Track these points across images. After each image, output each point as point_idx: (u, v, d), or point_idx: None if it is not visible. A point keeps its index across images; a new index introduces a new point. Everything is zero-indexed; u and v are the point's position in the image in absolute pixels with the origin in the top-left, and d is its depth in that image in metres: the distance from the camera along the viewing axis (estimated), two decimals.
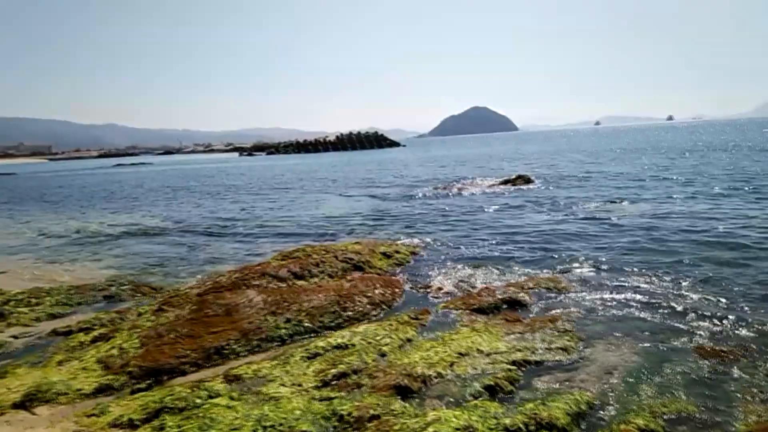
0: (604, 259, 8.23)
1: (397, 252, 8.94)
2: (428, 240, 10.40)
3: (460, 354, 4.80)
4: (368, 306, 6.30)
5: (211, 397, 3.97)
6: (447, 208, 15.02)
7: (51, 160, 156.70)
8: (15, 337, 5.87)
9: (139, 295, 7.50)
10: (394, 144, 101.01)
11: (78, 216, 18.52)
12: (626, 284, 6.95)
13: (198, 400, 3.88)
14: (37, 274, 9.38)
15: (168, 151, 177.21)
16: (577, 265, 8.04)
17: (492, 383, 4.23)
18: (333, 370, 4.39)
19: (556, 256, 8.64)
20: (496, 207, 14.68)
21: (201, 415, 3.67)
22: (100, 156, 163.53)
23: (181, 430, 3.47)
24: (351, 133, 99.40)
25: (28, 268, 9.97)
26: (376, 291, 6.76)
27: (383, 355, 4.78)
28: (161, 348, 5.02)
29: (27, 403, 4.13)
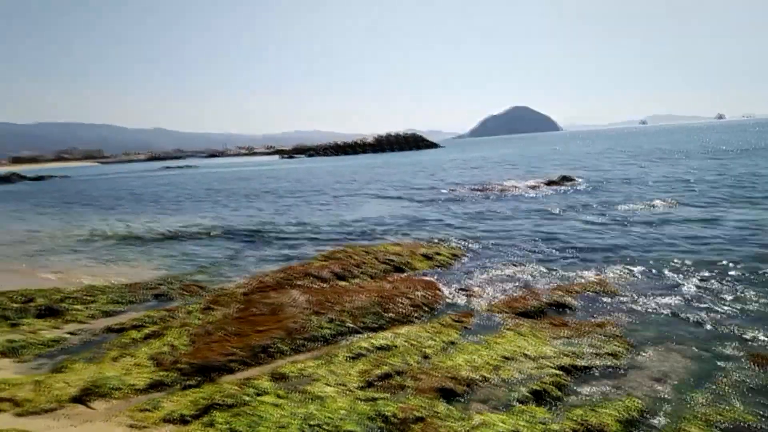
0: (652, 263, 7.97)
1: (438, 254, 8.90)
2: (469, 242, 10.32)
3: (506, 358, 4.74)
4: (410, 308, 6.30)
5: (258, 394, 4.06)
6: (487, 210, 14.86)
7: (102, 163, 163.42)
8: (72, 333, 6.13)
9: (187, 294, 7.73)
10: (432, 145, 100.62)
11: (128, 218, 19.24)
12: (676, 289, 6.71)
13: (246, 398, 3.97)
14: (90, 273, 9.79)
15: (212, 154, 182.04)
16: (624, 268, 7.81)
17: (539, 388, 4.16)
18: (376, 371, 4.41)
19: (603, 260, 8.42)
20: (538, 208, 14.42)
21: (249, 412, 3.75)
22: (148, 159, 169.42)
23: (231, 426, 3.55)
24: (388, 135, 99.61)
25: (82, 268, 10.43)
26: (418, 293, 6.75)
27: (426, 357, 4.76)
28: (210, 345, 5.16)
29: (84, 397, 4.31)
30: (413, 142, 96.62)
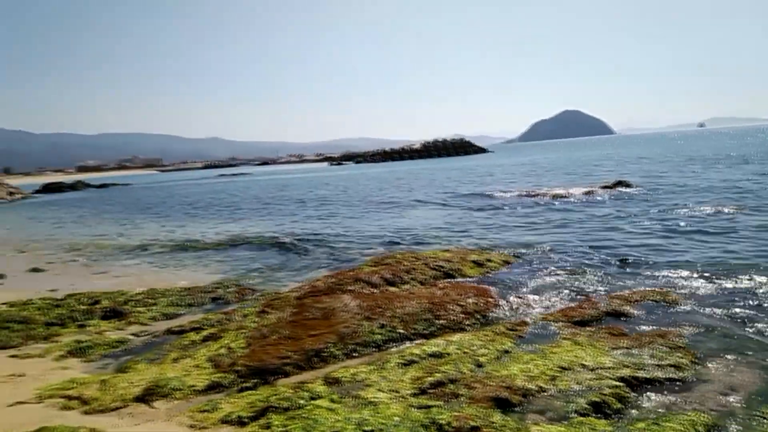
0: (715, 271, 7.58)
1: (489, 260, 8.77)
2: (521, 249, 10.11)
3: (562, 368, 4.60)
4: (461, 315, 6.23)
5: (312, 398, 4.11)
6: (539, 216, 14.55)
7: (161, 171, 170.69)
8: (135, 335, 6.41)
9: (242, 297, 7.95)
10: (480, 150, 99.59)
11: (185, 224, 19.99)
12: (742, 299, 6.35)
13: (301, 401, 4.02)
14: (151, 276, 10.22)
15: (264, 162, 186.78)
16: (686, 276, 7.46)
17: (598, 400, 4.02)
18: (429, 378, 4.38)
19: (662, 267, 8.07)
20: (593, 214, 13.99)
21: (304, 415, 3.80)
22: (205, 167, 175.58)
23: (287, 429, 3.61)
24: (436, 141, 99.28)
25: (144, 271, 10.90)
26: (469, 300, 6.67)
27: (480, 365, 4.69)
28: (265, 348, 5.27)
29: (147, 397, 4.48)
30: (461, 148, 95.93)
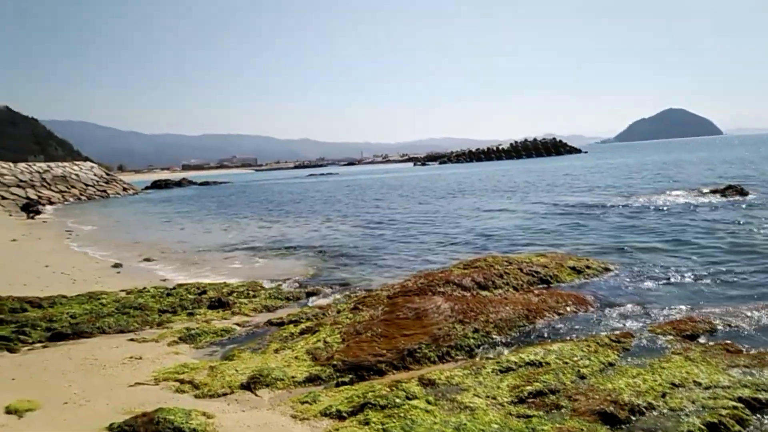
0: None
1: (588, 267, 8.36)
2: (622, 255, 9.55)
3: (674, 384, 4.28)
4: (560, 323, 5.98)
5: (408, 398, 4.11)
6: (640, 221, 13.66)
7: (256, 170, 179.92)
8: (238, 325, 6.78)
9: (336, 293, 8.17)
10: (573, 150, 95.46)
11: (279, 219, 20.92)
12: None
13: (397, 400, 4.04)
14: (250, 269, 10.78)
15: (351, 162, 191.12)
16: None
17: (714, 420, 3.69)
18: (528, 387, 4.24)
19: None
20: (702, 220, 12.92)
21: (401, 415, 3.82)
22: (296, 167, 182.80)
23: (385, 427, 3.64)
24: (526, 140, 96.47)
25: (244, 264, 11.53)
26: (568, 308, 6.40)
27: (582, 377, 4.47)
28: (360, 345, 5.37)
29: (251, 384, 4.71)
30: (552, 148, 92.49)
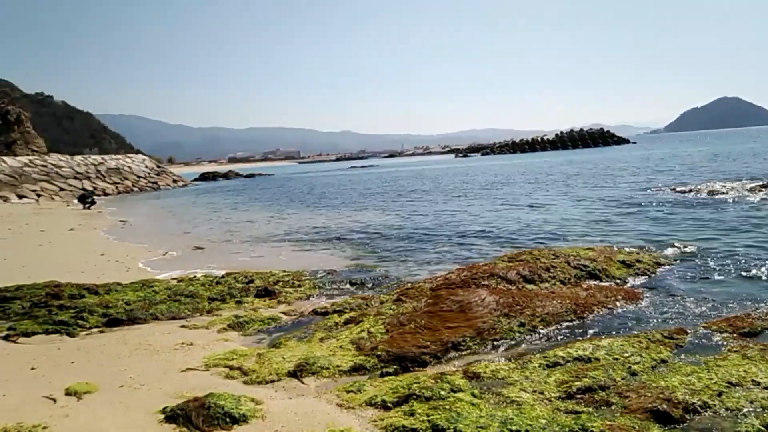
0: None
1: (639, 261, 8.09)
2: (675, 250, 9.18)
3: (730, 384, 4.09)
4: (609, 318, 5.82)
5: (453, 391, 4.09)
6: (693, 214, 13.10)
7: (299, 162, 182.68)
8: (284, 313, 6.90)
9: (377, 284, 8.21)
10: (621, 141, 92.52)
11: (322, 212, 21.18)
12: None
13: (442, 392, 4.03)
14: (295, 259, 10.95)
15: (391, 154, 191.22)
16: None
17: None
18: (577, 383, 4.14)
19: None
20: (761, 215, 12.26)
21: (446, 407, 3.80)
22: (337, 159, 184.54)
23: (430, 418, 3.63)
24: (572, 131, 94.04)
25: (289, 254, 11.73)
26: (618, 303, 6.21)
27: (634, 374, 4.34)
28: (404, 336, 5.37)
29: (298, 372, 4.79)
30: (599, 139, 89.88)
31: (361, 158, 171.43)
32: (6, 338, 6.11)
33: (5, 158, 38.22)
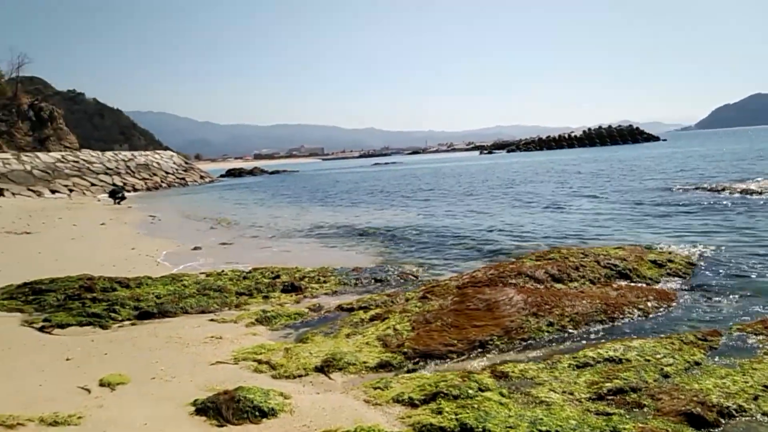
0: None
1: (671, 261, 7.91)
2: (708, 250, 8.94)
3: (766, 387, 3.98)
4: (640, 319, 5.71)
5: (481, 390, 4.06)
6: (726, 214, 12.75)
7: (323, 159, 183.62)
8: (310, 309, 6.95)
9: (403, 281, 8.21)
10: (651, 138, 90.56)
11: (346, 209, 21.27)
12: None
13: (470, 391, 4.01)
14: (320, 256, 11.02)
15: (415, 151, 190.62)
16: None
17: None
18: (608, 384, 4.08)
19: None
20: None
21: (474, 406, 3.78)
22: (360, 156, 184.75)
23: (458, 417, 3.62)
24: (600, 127, 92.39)
25: (314, 250, 11.81)
26: (649, 303, 6.09)
27: (666, 376, 4.24)
28: (430, 334, 5.36)
29: (325, 367, 4.82)
30: (628, 135, 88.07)
31: (385, 155, 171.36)
32: (41, 329, 6.30)
33: (39, 154, 39.37)
